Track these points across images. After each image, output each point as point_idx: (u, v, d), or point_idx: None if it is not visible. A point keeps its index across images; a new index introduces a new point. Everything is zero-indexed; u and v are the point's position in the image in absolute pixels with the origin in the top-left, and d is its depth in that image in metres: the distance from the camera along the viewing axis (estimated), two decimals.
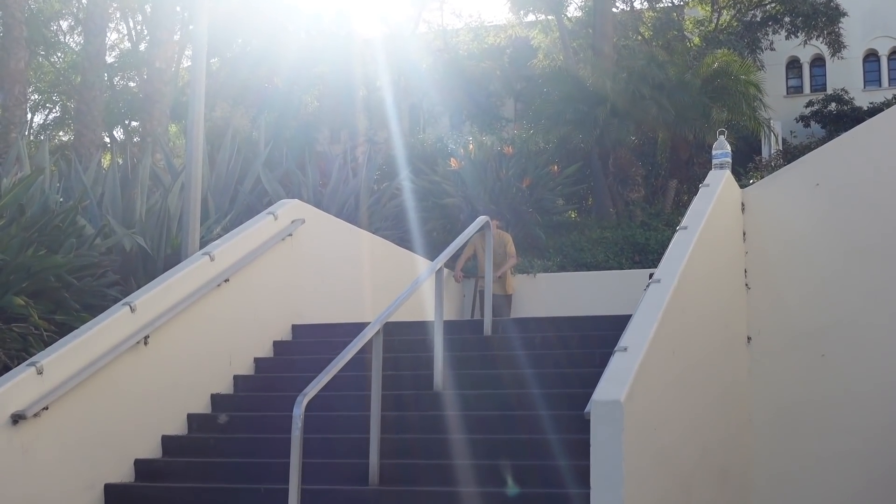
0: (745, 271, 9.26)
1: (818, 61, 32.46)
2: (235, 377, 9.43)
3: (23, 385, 7.24)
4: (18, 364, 7.73)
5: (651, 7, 29.29)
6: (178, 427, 8.67)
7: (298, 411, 6.63)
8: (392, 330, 8.62)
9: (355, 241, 11.94)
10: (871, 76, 33.00)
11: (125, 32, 35.13)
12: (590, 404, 5.74)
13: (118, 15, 32.19)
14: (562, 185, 17.40)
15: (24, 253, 9.30)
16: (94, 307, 9.46)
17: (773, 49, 29.27)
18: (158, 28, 21.64)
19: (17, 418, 7.08)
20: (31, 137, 32.74)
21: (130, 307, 8.27)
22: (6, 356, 8.76)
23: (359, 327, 8.48)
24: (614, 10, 25.42)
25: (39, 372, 7.36)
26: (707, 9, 28.15)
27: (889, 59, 32.98)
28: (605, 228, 16.78)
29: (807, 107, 29.15)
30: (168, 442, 8.46)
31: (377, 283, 11.62)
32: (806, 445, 8.77)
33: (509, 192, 16.00)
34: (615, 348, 6.23)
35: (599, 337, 9.05)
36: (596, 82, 18.20)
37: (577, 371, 8.39)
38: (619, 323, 8.36)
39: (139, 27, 33.88)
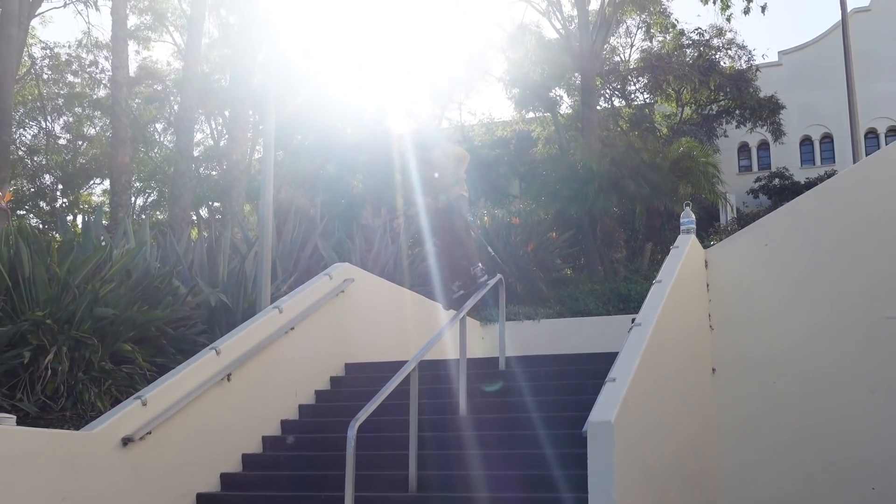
0: (709, 315, 9.27)
1: (763, 145, 32.53)
2: (300, 406, 9.44)
3: (131, 414, 7.29)
4: (127, 398, 7.77)
5: (628, 105, 29.46)
6: (254, 447, 8.68)
7: (352, 433, 6.66)
8: (425, 366, 8.63)
9: (395, 295, 11.98)
10: (807, 156, 33.06)
11: (208, 132, 35.50)
12: (587, 425, 5.74)
13: (202, 118, 32.56)
14: (559, 248, 17.48)
15: (130, 308, 9.37)
16: (187, 351, 9.51)
17: (726, 136, 29.39)
18: (235, 128, 21.97)
19: (126, 441, 7.12)
20: (135, 216, 33.02)
21: (216, 351, 8.32)
22: (117, 391, 8.81)
23: (399, 365, 8.49)
24: (598, 107, 25.58)
25: (144, 404, 7.41)
26: (673, 105, 28.30)
27: (821, 142, 33.05)
28: (595, 282, 16.80)
29: (755, 182, 29.20)
30: (247, 459, 8.47)
31: (412, 328, 11.64)
32: (761, 452, 8.75)
33: (517, 254, 16.10)
34: (606, 379, 6.23)
35: (592, 370, 9.03)
36: (585, 165, 18.34)
37: (575, 398, 8.37)
38: (608, 359, 8.34)
39: (219, 127, 34.22)
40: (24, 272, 9.01)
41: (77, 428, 7.32)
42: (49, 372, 8.40)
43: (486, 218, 18.02)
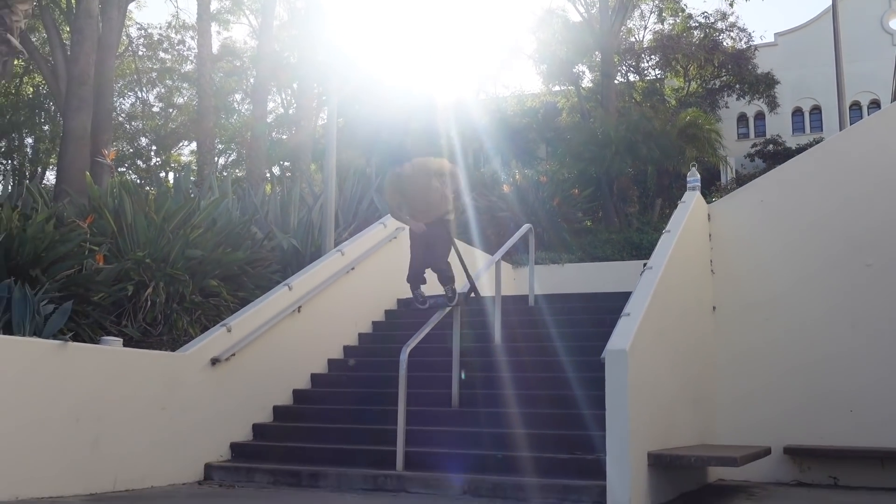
0: (711, 261, 9.18)
1: (760, 115, 31.91)
2: (359, 334, 9.54)
3: (218, 339, 7.40)
4: (214, 326, 7.88)
5: (641, 79, 29.01)
6: (321, 368, 8.80)
7: (404, 356, 6.73)
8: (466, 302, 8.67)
9: None
10: (798, 125, 32.42)
11: (279, 102, 35.47)
12: (605, 352, 5.74)
13: (275, 90, 32.48)
14: (581, 203, 17.35)
15: (216, 251, 9.46)
16: (264, 287, 9.60)
17: (727, 107, 28.91)
18: (302, 98, 21.96)
19: (214, 361, 7.23)
20: (218, 174, 33.24)
21: (289, 287, 8.41)
22: (205, 320, 8.92)
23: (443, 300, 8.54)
24: (615, 82, 25.25)
25: (229, 330, 7.51)
26: (681, 80, 27.78)
27: (810, 113, 32.37)
28: (611, 232, 16.68)
29: (752, 147, 28.70)
30: (315, 378, 8.60)
31: (454, 269, 11.65)
32: (754, 379, 8.71)
33: (544, 208, 15.99)
34: (621, 314, 6.22)
35: (609, 307, 9.00)
36: (604, 132, 18.14)
37: (594, 330, 8.38)
38: (622, 297, 8.30)
39: (289, 98, 34.21)
40: (126, 219, 9.13)
41: (173, 350, 7.44)
42: (148, 303, 8.53)
43: (517, 177, 17.87)
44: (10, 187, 10.35)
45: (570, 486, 5.90)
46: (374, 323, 9.84)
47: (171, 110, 36.32)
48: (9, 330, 6.51)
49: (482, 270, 8.94)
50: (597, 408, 6.67)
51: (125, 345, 6.83)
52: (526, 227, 9.96)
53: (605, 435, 5.57)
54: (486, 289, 9.71)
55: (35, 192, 9.93)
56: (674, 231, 7.92)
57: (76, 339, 7.10)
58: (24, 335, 6.39)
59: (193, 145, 36.02)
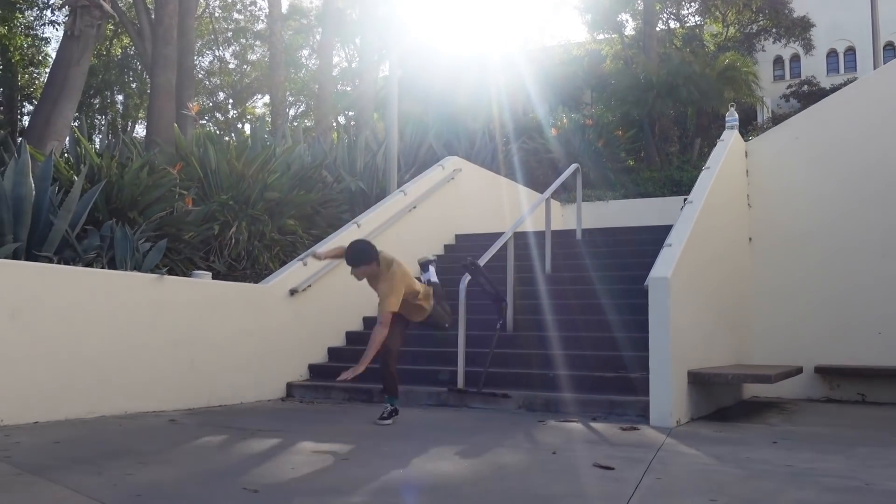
0: (748, 195, 9.01)
1: (795, 58, 30.80)
2: None
3: (295, 273, 7.53)
4: (290, 260, 8.00)
5: (681, 26, 28.14)
6: None
7: (463, 285, 6.77)
8: (519, 236, 8.67)
9: (493, 182, 11.95)
10: (832, 67, 31.26)
11: (343, 56, 35.33)
12: (648, 279, 5.71)
13: (339, 45, 32.33)
14: (624, 143, 17.06)
15: (291, 193, 9.57)
16: (334, 225, 9.70)
17: (764, 50, 27.90)
18: (366, 52, 21.78)
19: (292, 291, 7.37)
20: (289, 124, 33.40)
21: (357, 224, 8.48)
22: (283, 255, 9.09)
23: (497, 235, 8.54)
24: (657, 29, 24.55)
25: (304, 265, 7.63)
26: (719, 25, 26.86)
27: (844, 55, 31.18)
28: (653, 171, 16.35)
29: (787, 89, 27.76)
30: None
31: (507, 207, 11.64)
32: (788, 306, 8.59)
33: (589, 149, 15.76)
34: (663, 245, 6.16)
35: (651, 239, 8.94)
36: (646, 77, 17.67)
37: (637, 260, 8.33)
38: (663, 230, 8.24)
39: (352, 52, 34.05)
40: (210, 166, 9.26)
41: (256, 282, 7.60)
42: (233, 241, 8.70)
43: (564, 121, 17.59)
44: (106, 140, 10.55)
45: (616, 402, 5.94)
46: (435, 256, 9.88)
47: (245, 66, 36.44)
48: (112, 265, 6.72)
49: (533, 207, 8.87)
50: (640, 331, 6.65)
51: (213, 278, 7.00)
52: (574, 166, 9.86)
53: (649, 355, 5.57)
54: (536, 225, 9.68)
55: (129, 144, 10.12)
56: (713, 167, 7.77)
57: (170, 273, 7.30)
58: (125, 270, 6.59)
59: (266, 98, 36.17)
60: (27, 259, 6.15)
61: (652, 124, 18.75)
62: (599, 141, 15.96)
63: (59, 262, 6.28)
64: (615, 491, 3.30)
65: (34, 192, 6.35)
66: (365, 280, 5.69)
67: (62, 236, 6.50)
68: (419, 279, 6.35)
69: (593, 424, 5.43)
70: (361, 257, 5.51)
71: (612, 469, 3.77)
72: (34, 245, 6.33)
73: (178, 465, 3.78)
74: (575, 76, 28.75)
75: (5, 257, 5.75)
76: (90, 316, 5.50)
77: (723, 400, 6.95)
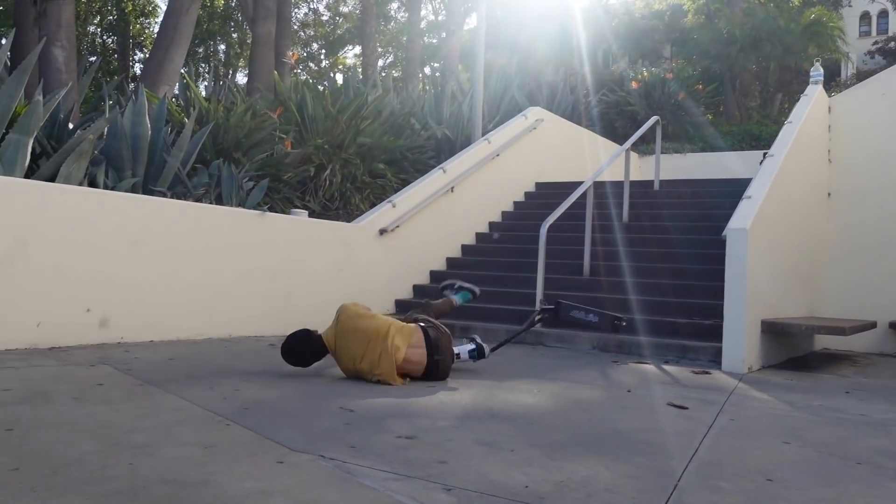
0: (829, 151, 8.63)
1: (882, 13, 29.12)
2: (502, 212, 9.58)
3: (385, 213, 7.61)
4: (381, 202, 8.09)
5: None
6: (470, 240, 8.93)
7: (543, 231, 6.73)
8: (598, 185, 8.54)
9: (574, 132, 11.76)
10: None
11: (430, 9, 35.00)
12: (726, 230, 5.57)
13: None
14: (704, 97, 16.46)
15: (382, 138, 9.62)
16: (421, 171, 9.75)
17: (850, 6, 26.43)
18: (453, 5, 21.45)
19: (382, 231, 7.47)
20: (378, 73, 33.44)
21: (443, 170, 8.50)
22: (373, 197, 9.18)
23: (576, 184, 8.45)
24: None
25: (393, 206, 7.71)
26: None
27: None
28: (732, 125, 15.81)
29: (873, 45, 26.28)
30: (464, 248, 8.76)
31: (587, 157, 11.46)
32: (863, 261, 8.27)
33: (668, 102, 15.29)
34: (742, 197, 5.98)
35: (728, 192, 8.68)
36: (729, 31, 16.96)
37: (713, 212, 8.12)
38: (741, 183, 7.99)
39: (439, 5, 33.71)
40: (308, 111, 9.37)
41: (348, 222, 7.71)
42: (327, 182, 8.82)
43: (644, 74, 17.05)
44: (212, 86, 10.77)
45: (689, 346, 5.86)
46: (515, 203, 9.85)
47: (337, 18, 36.50)
48: (219, 201, 6.91)
49: (613, 157, 8.71)
50: (715, 280, 6.53)
51: (309, 216, 7.14)
52: (654, 118, 9.60)
53: (723, 303, 5.46)
54: (614, 175, 9.51)
55: (233, 89, 10.30)
56: (795, 122, 7.45)
57: (271, 210, 7.47)
58: (231, 206, 6.77)
59: (357, 49, 36.25)
60: (144, 193, 6.38)
61: (733, 79, 18.05)
62: (679, 94, 15.45)
63: (172, 197, 6.51)
64: (690, 429, 3.28)
65: (150, 132, 6.56)
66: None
67: (174, 173, 6.70)
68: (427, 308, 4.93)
69: (666, 367, 5.38)
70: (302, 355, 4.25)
71: (686, 408, 3.74)
72: (150, 180, 6.56)
73: (280, 385, 3.92)
74: (656, 30, 27.80)
75: (125, 191, 5.98)
76: (200, 247, 5.70)
77: (794, 350, 6.78)
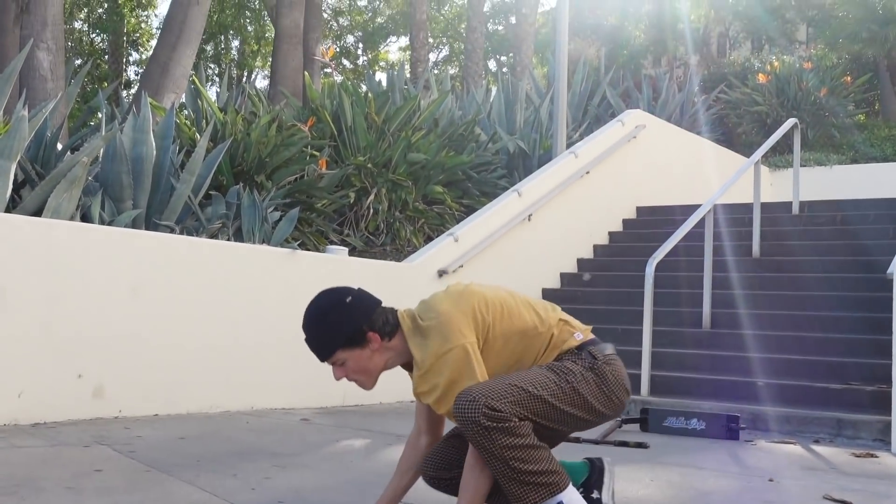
0: None
1: None
2: (594, 246, 9.57)
3: (444, 249, 7.66)
4: (438, 235, 8.15)
5: None
6: (553, 282, 8.93)
7: (650, 270, 6.68)
8: (718, 210, 8.47)
9: (684, 141, 11.71)
10: None
11: None
12: (891, 267, 5.44)
13: None
14: (853, 92, 16.27)
15: (439, 154, 9.69)
16: (488, 194, 9.79)
17: None
18: None
19: (441, 273, 7.51)
20: (431, 70, 33.89)
21: (518, 193, 8.54)
22: (429, 229, 9.25)
23: (690, 208, 8.40)
24: None
25: (456, 240, 7.76)
26: None
27: None
28: (892, 128, 15.58)
29: None
30: (545, 293, 8.72)
31: (702, 173, 11.38)
32: None
33: (808, 100, 15.15)
34: None
35: (891, 216, 8.54)
36: (886, 5, 16.78)
37: (872, 243, 7.97)
38: None
39: None
40: (346, 121, 9.53)
41: (397, 261, 7.78)
42: (371, 211, 8.93)
43: (774, 64, 16.93)
44: (226, 91, 11.06)
45: (845, 420, 5.72)
46: (610, 234, 9.83)
47: (377, 2, 37.20)
48: (238, 236, 7.06)
49: (738, 174, 8.62)
50: (875, 332, 6.41)
51: (349, 254, 7.23)
52: (790, 121, 9.47)
53: (891, 363, 5.32)
54: (740, 195, 9.42)
55: (253, 96, 10.56)
56: None
57: (302, 247, 7.59)
58: (253, 242, 6.91)
59: (402, 41, 36.83)
60: (147, 228, 6.55)
61: (892, 68, 17.77)
62: (822, 90, 15.28)
63: (181, 233, 6.67)
64: None
65: (154, 152, 6.76)
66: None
67: (184, 203, 6.88)
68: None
69: (816, 447, 5.27)
70: (333, 337, 2.75)
71: None
72: (154, 212, 6.74)
73: (320, 471, 3.96)
74: (786, 6, 27.55)
75: (125, 226, 6.15)
76: (215, 295, 5.82)
77: None
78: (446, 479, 2.88)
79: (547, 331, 2.79)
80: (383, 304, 2.83)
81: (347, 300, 2.76)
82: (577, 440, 4.95)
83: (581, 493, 2.85)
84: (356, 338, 2.72)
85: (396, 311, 2.82)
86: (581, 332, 2.85)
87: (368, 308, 2.77)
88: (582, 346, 2.80)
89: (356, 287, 2.85)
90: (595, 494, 2.95)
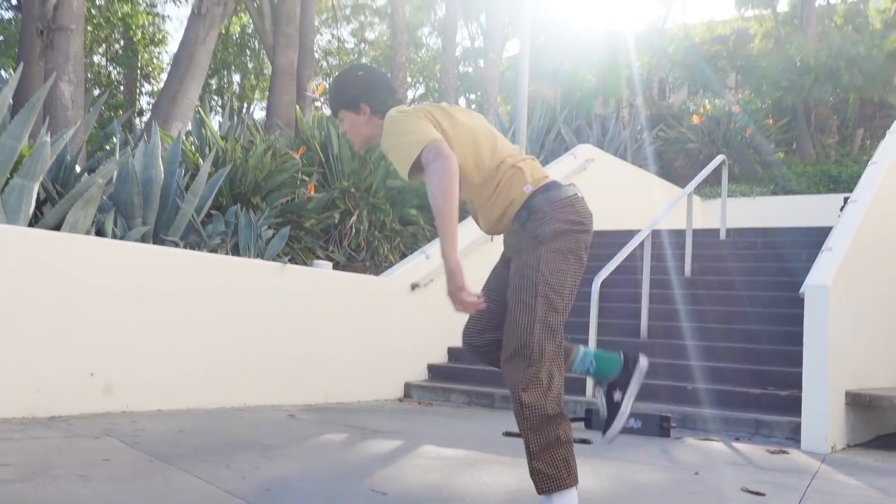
0: None
1: None
2: None
3: (417, 266, 7.68)
4: (412, 252, 8.15)
5: (843, 1, 26.88)
6: None
7: (595, 286, 6.73)
8: (656, 234, 8.55)
9: (628, 174, 11.82)
10: None
11: (465, 34, 35.61)
12: (804, 287, 5.53)
13: (462, 22, 32.59)
14: (774, 133, 16.50)
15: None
16: (459, 216, 9.80)
17: None
18: (492, 30, 21.82)
19: (414, 286, 7.53)
20: (409, 105, 33.90)
21: (426, 256, 8.51)
22: (404, 247, 9.27)
23: (632, 233, 8.47)
24: (815, 5, 23.54)
25: (427, 257, 7.77)
26: (888, 0, 25.55)
27: None
28: (807, 165, 15.80)
29: None
30: None
31: (642, 202, 11.48)
32: None
33: (736, 139, 15.38)
34: (822, 248, 5.95)
35: (805, 241, 8.66)
36: (802, 58, 17.02)
37: (788, 265, 8.08)
38: (818, 232, 7.98)
39: (475, 30, 34.27)
40: (333, 151, 9.55)
41: (376, 275, 7.79)
42: (353, 230, 8.94)
43: (707, 107, 17.16)
44: (228, 122, 11.05)
45: (762, 421, 5.79)
46: None
47: (363, 45, 37.26)
48: (235, 252, 7.05)
49: (674, 203, 8.73)
50: (791, 344, 6.49)
51: (333, 268, 7.23)
52: (719, 158, 9.60)
53: (802, 371, 5.40)
54: (674, 222, 9.51)
55: (251, 127, 10.55)
56: (880, 162, 7.42)
57: (291, 262, 7.58)
58: (249, 257, 6.89)
59: None
60: (154, 243, 6.52)
61: (807, 112, 18.07)
62: (747, 130, 15.50)
63: (185, 247, 6.65)
64: None
65: (163, 175, 6.73)
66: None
67: (188, 221, 6.86)
68: None
69: (737, 445, 5.33)
70: (338, 96, 3.02)
71: (763, 495, 3.70)
72: (161, 229, 6.71)
73: (303, 462, 3.95)
74: (719, 57, 27.96)
75: (135, 240, 6.12)
76: (213, 303, 5.80)
77: (884, 426, 6.65)
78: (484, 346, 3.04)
79: (495, 167, 2.89)
80: (400, 109, 2.89)
81: (360, 73, 3.02)
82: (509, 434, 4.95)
83: (604, 390, 3.03)
84: (353, 104, 2.98)
85: (402, 103, 3.01)
86: (531, 185, 2.86)
87: (373, 87, 2.98)
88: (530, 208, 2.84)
89: (381, 70, 3.23)
90: (617, 396, 3.00)
